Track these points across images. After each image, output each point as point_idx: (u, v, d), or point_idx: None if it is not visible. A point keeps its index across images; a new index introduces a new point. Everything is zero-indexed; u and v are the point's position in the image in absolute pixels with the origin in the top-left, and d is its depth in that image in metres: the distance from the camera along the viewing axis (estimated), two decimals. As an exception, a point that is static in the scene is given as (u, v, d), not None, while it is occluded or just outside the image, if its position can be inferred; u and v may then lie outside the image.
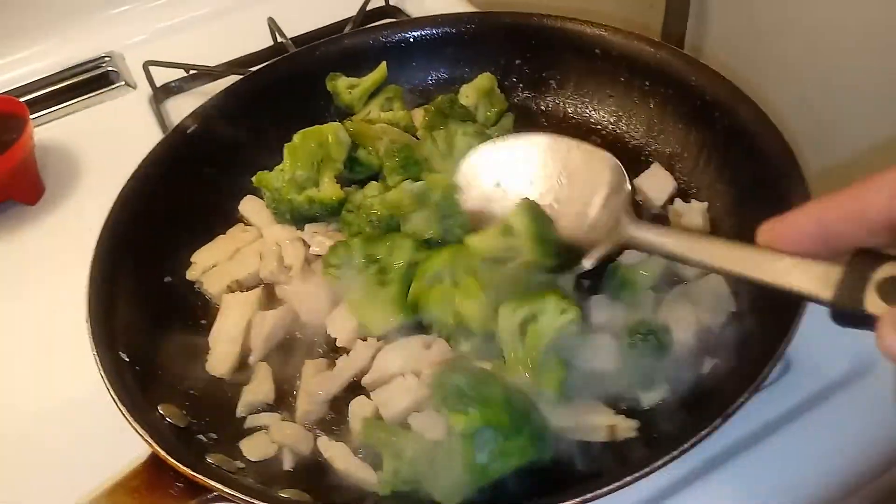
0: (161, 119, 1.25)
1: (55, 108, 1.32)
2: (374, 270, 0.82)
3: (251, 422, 0.79)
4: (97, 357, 0.73)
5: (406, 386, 0.76)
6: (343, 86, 1.06)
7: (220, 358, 0.84)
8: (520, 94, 1.11)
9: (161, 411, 0.73)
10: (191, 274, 0.90)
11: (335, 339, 0.83)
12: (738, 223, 0.89)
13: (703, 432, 0.62)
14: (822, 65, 1.11)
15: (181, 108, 1.26)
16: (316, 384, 0.79)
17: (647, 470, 0.61)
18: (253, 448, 0.75)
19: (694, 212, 0.91)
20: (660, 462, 0.61)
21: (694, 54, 1.25)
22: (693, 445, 0.62)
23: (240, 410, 0.80)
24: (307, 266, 0.90)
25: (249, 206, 0.99)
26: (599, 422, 0.72)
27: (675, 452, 0.62)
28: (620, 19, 1.10)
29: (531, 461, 0.67)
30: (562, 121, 1.08)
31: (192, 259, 0.92)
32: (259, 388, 0.81)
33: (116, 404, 0.69)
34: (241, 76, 1.17)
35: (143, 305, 0.84)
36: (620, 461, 0.69)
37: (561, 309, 0.71)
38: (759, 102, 0.89)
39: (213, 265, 0.91)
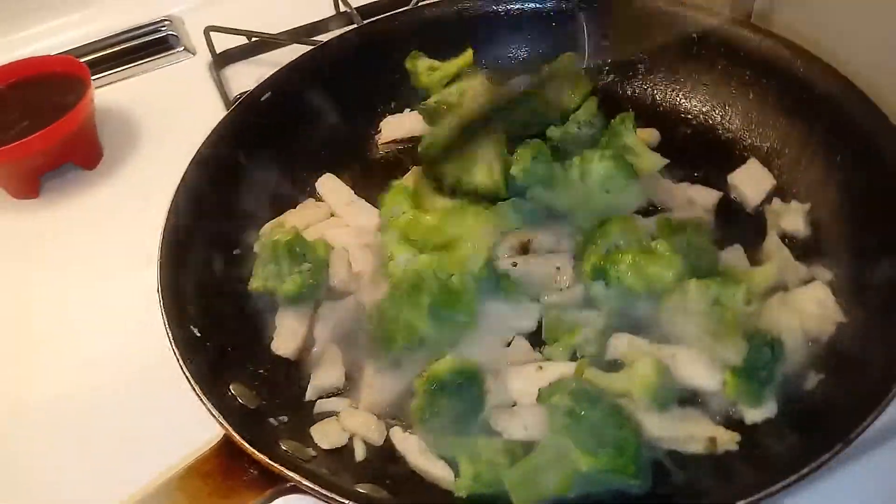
0: (221, 86, 1.24)
1: (113, 71, 1.32)
2: None
3: (320, 407, 0.77)
4: (169, 332, 0.72)
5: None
6: (423, 67, 1.03)
7: (285, 337, 0.82)
8: (604, 77, 1.07)
9: (233, 391, 0.72)
10: (263, 240, 0.89)
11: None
12: (845, 231, 0.84)
13: (825, 457, 0.59)
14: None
15: (241, 76, 1.25)
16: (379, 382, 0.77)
17: (760, 495, 0.58)
18: (324, 435, 0.74)
19: (793, 213, 0.87)
20: (775, 487, 0.58)
21: (763, 23, 1.21)
22: (811, 472, 0.59)
23: (309, 394, 0.78)
24: (378, 269, 0.85)
25: (327, 185, 0.97)
26: (698, 432, 0.69)
27: (793, 477, 0.58)
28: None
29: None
30: (649, 107, 1.03)
31: (259, 232, 0.90)
32: (328, 372, 0.79)
33: (190, 382, 0.68)
34: (304, 45, 1.16)
35: (213, 278, 0.83)
36: (721, 477, 0.66)
37: (746, 297, 0.72)
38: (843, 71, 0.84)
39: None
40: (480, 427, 0.72)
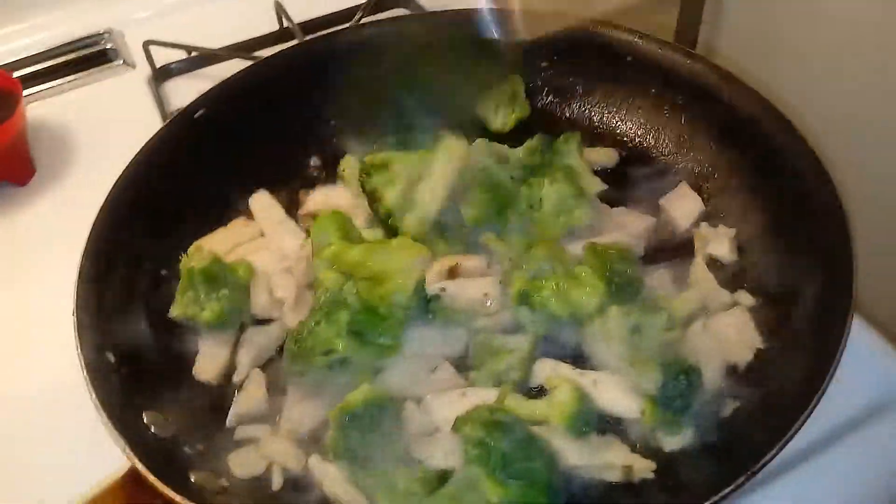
0: (160, 101, 1.23)
1: (49, 86, 1.30)
2: None
3: (240, 433, 0.77)
4: (82, 358, 0.71)
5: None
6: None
7: (207, 362, 0.82)
8: (543, 98, 1.09)
9: (146, 419, 0.71)
10: (184, 265, 0.88)
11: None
12: (767, 250, 0.87)
13: (727, 490, 0.61)
14: (839, 60, 1.09)
15: (181, 90, 1.25)
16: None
17: None
18: (241, 464, 0.73)
19: (720, 238, 0.89)
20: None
21: (707, 53, 1.24)
22: (717, 502, 0.60)
23: (229, 420, 0.78)
24: (301, 295, 0.86)
25: (259, 202, 0.96)
26: (615, 460, 0.71)
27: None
28: (633, 16, 1.07)
29: None
30: (586, 129, 1.05)
31: (188, 251, 0.90)
32: (250, 397, 0.79)
33: (98, 410, 0.67)
34: (245, 60, 1.16)
35: (136, 299, 0.83)
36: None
37: (666, 324, 0.74)
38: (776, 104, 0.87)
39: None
40: (398, 456, 0.72)
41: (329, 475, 0.72)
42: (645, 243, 0.90)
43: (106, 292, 0.80)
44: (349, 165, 0.98)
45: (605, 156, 1.01)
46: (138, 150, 0.92)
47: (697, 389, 0.73)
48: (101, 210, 0.84)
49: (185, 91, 1.23)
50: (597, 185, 0.94)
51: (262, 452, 0.75)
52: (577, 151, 0.93)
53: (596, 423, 0.73)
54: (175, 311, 0.82)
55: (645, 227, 0.92)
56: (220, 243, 0.91)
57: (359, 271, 0.79)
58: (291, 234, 0.92)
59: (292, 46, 1.13)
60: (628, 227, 0.91)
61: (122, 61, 1.33)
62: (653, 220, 0.93)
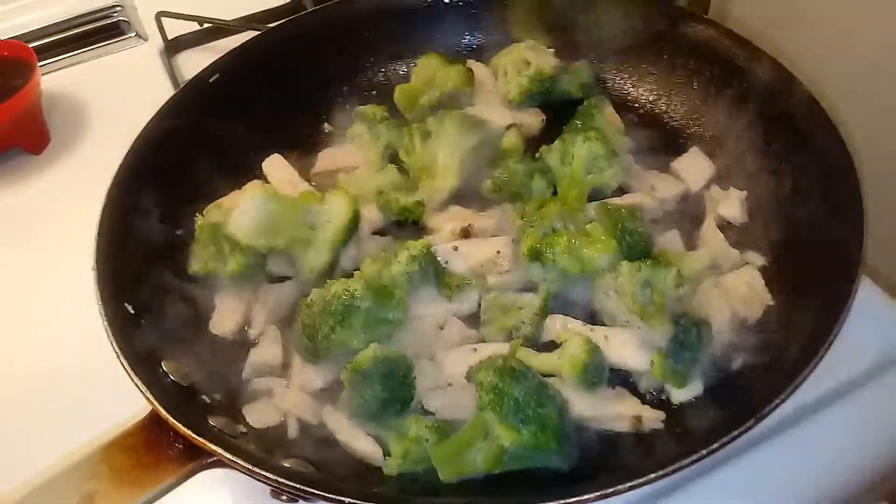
0: (172, 73, 1.25)
1: (63, 57, 1.33)
2: None
3: (255, 385, 0.80)
4: (101, 306, 0.74)
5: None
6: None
7: (224, 317, 0.84)
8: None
9: (164, 368, 0.74)
10: (204, 221, 0.89)
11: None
12: (779, 215, 0.88)
13: (735, 432, 0.63)
14: (851, 23, 1.09)
15: (193, 62, 1.27)
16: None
17: (671, 468, 0.62)
18: (257, 415, 0.76)
19: (731, 200, 0.91)
20: (686, 461, 0.62)
21: (720, 17, 1.25)
22: (722, 446, 0.62)
23: (245, 372, 0.80)
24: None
25: (274, 165, 0.99)
26: (624, 411, 0.73)
27: (703, 451, 0.62)
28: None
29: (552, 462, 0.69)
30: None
31: (199, 215, 0.92)
32: (266, 350, 0.82)
33: (118, 357, 0.70)
34: (257, 31, 1.19)
35: (154, 257, 0.85)
36: (645, 454, 0.70)
37: (677, 279, 0.75)
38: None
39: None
40: (411, 411, 0.74)
41: (342, 425, 0.75)
42: (671, 208, 0.92)
43: (124, 248, 0.82)
44: (358, 124, 1.00)
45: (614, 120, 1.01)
46: (154, 113, 0.94)
47: (706, 342, 0.74)
48: (118, 169, 0.87)
49: (197, 62, 1.25)
50: (626, 144, 0.96)
51: (277, 403, 0.77)
52: (603, 113, 0.96)
53: (606, 375, 0.75)
54: (196, 266, 0.84)
55: (675, 194, 0.93)
56: (234, 205, 0.93)
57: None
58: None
59: (306, 13, 1.15)
60: (659, 191, 0.92)
61: (134, 33, 1.36)
62: (684, 185, 0.94)
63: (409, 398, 0.74)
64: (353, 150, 1.00)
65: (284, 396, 0.77)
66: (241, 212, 0.81)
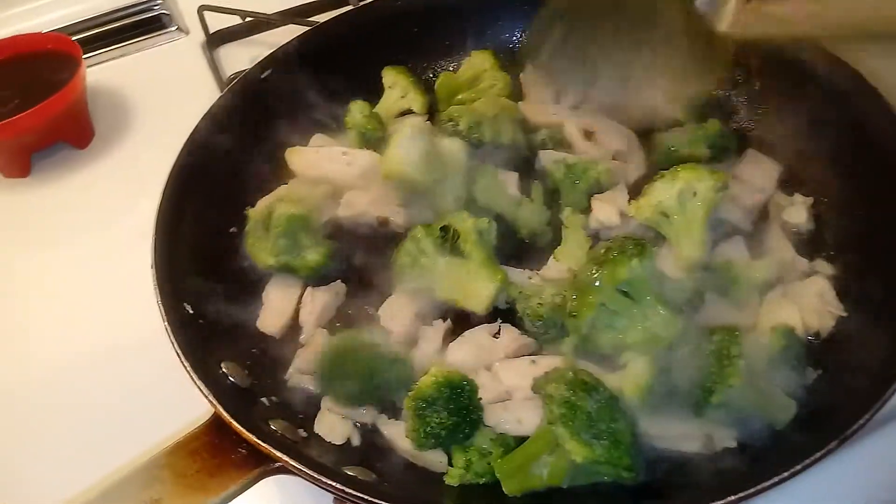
0: (214, 66, 1.25)
1: (105, 50, 1.34)
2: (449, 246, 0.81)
3: (295, 381, 0.79)
4: (162, 308, 0.73)
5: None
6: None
7: (271, 315, 0.84)
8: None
9: (224, 369, 0.73)
10: (255, 222, 0.89)
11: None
12: (848, 224, 0.86)
13: (817, 454, 0.60)
14: None
15: (235, 56, 1.27)
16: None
17: (751, 491, 0.60)
18: (331, 430, 0.75)
19: (797, 206, 0.88)
20: (765, 484, 0.60)
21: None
22: (804, 469, 0.60)
23: (290, 374, 0.80)
24: None
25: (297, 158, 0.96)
26: (693, 430, 0.70)
27: (785, 474, 0.60)
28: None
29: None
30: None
31: (252, 210, 0.91)
32: (312, 354, 0.80)
33: (181, 360, 0.69)
34: (298, 25, 1.18)
35: (207, 256, 0.85)
36: (715, 472, 0.68)
37: (715, 183, 0.76)
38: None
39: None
40: (476, 425, 0.72)
41: (401, 434, 0.73)
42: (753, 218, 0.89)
43: (180, 247, 0.82)
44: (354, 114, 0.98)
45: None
46: (200, 113, 0.93)
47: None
48: (171, 170, 0.86)
49: (239, 56, 1.26)
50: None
51: (332, 409, 0.76)
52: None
53: (668, 398, 0.71)
54: (268, 261, 0.83)
55: (756, 202, 0.89)
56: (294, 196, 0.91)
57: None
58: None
59: (353, 9, 1.14)
60: (740, 200, 0.89)
61: (176, 27, 1.36)
62: (761, 193, 0.90)
63: (477, 421, 0.72)
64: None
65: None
66: (406, 146, 0.82)
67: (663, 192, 0.81)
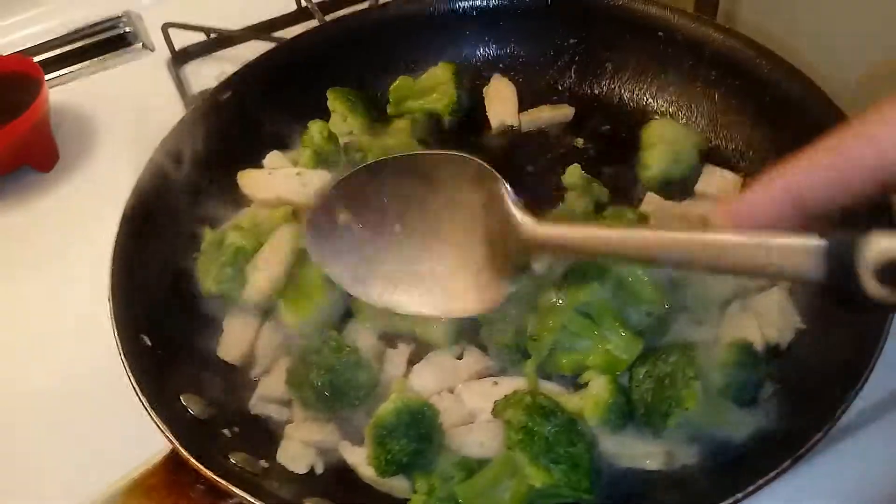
0: (180, 84, 1.24)
1: (69, 71, 1.32)
2: None
3: (258, 409, 0.79)
4: (119, 341, 0.73)
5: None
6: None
7: (231, 343, 0.83)
8: (572, 75, 1.08)
9: (183, 401, 0.73)
10: (225, 240, 0.86)
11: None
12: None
13: (773, 473, 0.61)
14: (863, 23, 1.06)
15: (201, 73, 1.26)
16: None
17: None
18: (292, 459, 0.74)
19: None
20: (729, 500, 0.60)
21: (728, 20, 1.23)
22: (758, 488, 0.60)
23: (252, 404, 0.79)
24: None
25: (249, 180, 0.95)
26: (654, 448, 0.70)
27: (739, 495, 0.60)
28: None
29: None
30: (615, 107, 1.05)
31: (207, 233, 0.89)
32: (276, 382, 0.79)
33: (137, 395, 0.69)
34: (264, 41, 1.18)
35: (168, 285, 0.84)
36: (677, 489, 0.68)
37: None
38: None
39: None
40: (438, 450, 0.72)
41: (362, 460, 0.73)
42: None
43: (138, 278, 0.81)
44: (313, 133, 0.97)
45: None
46: (165, 133, 0.93)
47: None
48: (129, 198, 0.86)
49: (205, 73, 1.25)
50: None
51: (296, 436, 0.76)
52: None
53: (631, 416, 0.72)
54: (211, 287, 0.83)
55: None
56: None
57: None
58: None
59: (317, 27, 1.13)
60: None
61: (140, 44, 1.35)
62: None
63: (439, 446, 0.72)
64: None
65: (303, 429, 0.76)
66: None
67: None
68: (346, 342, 0.78)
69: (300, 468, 0.73)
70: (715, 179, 0.93)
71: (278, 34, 1.25)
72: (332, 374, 0.75)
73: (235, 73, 1.01)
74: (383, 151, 0.92)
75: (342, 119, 1.01)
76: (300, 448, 0.74)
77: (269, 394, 0.80)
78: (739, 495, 0.60)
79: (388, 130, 1.02)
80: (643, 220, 0.86)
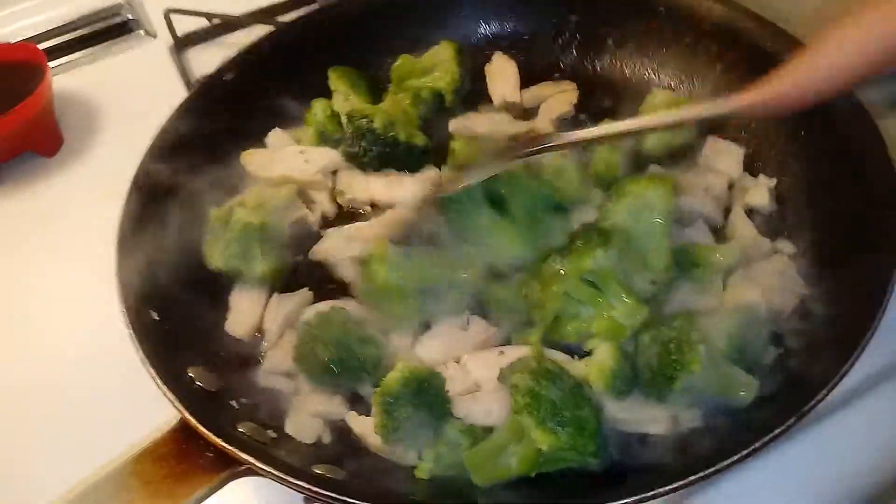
0: (182, 69, 1.24)
1: (72, 58, 1.33)
2: None
3: (266, 382, 0.79)
4: (126, 316, 0.73)
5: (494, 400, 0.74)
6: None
7: (239, 318, 0.84)
8: (573, 53, 1.09)
9: (191, 374, 0.74)
10: (232, 217, 0.87)
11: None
12: (809, 202, 0.87)
13: (776, 431, 0.61)
14: None
15: (203, 58, 1.26)
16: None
17: (711, 470, 0.60)
18: (301, 429, 0.75)
19: (760, 187, 0.89)
20: (726, 462, 0.61)
21: None
22: (763, 446, 0.61)
23: (261, 376, 0.80)
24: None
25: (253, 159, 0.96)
26: (659, 412, 0.71)
27: (743, 452, 0.61)
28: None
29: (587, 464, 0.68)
30: (618, 82, 1.06)
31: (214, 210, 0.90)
32: (283, 354, 0.80)
33: (146, 367, 0.70)
34: (266, 25, 1.18)
35: (174, 260, 0.84)
36: (682, 452, 0.69)
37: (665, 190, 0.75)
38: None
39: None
40: (444, 418, 0.73)
41: (369, 429, 0.73)
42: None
43: (144, 254, 0.82)
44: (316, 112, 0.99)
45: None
46: (168, 116, 0.94)
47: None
48: (136, 172, 0.87)
49: (207, 59, 1.25)
50: None
51: (303, 407, 0.77)
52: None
53: (635, 382, 0.73)
54: (218, 263, 0.83)
55: (723, 188, 0.90)
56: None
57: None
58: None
59: (318, 9, 1.13)
60: (712, 190, 0.89)
61: (143, 31, 1.35)
62: (727, 176, 0.91)
63: (445, 414, 0.73)
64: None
65: (309, 400, 0.77)
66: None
67: (615, 212, 0.78)
68: (351, 315, 0.78)
69: (308, 439, 0.74)
70: (718, 150, 0.93)
71: (280, 18, 1.26)
72: (339, 348, 0.75)
73: (238, 54, 1.02)
74: (387, 116, 0.92)
75: (344, 98, 1.01)
76: (308, 419, 0.75)
77: (275, 367, 0.80)
78: (745, 452, 0.61)
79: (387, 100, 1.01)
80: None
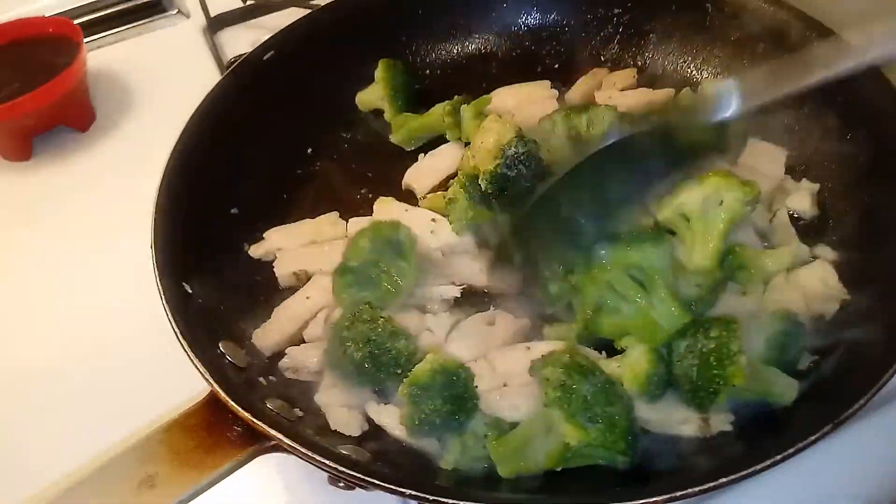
0: (215, 50, 1.28)
1: (106, 34, 1.37)
2: None
3: (289, 374, 0.81)
4: (161, 288, 0.76)
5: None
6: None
7: (271, 332, 0.84)
8: (615, 46, 1.10)
9: (222, 349, 0.76)
10: (254, 251, 0.92)
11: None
12: (851, 207, 0.87)
13: (812, 438, 0.62)
14: None
15: (235, 39, 1.30)
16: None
17: (742, 473, 0.61)
18: (343, 424, 0.75)
19: (802, 192, 0.90)
20: (759, 466, 0.61)
21: None
22: (797, 451, 0.62)
23: (281, 363, 0.81)
24: None
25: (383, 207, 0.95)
26: (690, 414, 0.72)
27: (777, 457, 0.61)
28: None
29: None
30: (658, 79, 1.07)
31: (263, 235, 0.93)
32: (303, 352, 0.81)
33: (178, 339, 0.72)
34: (300, 7, 1.20)
35: (207, 236, 0.87)
36: (712, 455, 0.69)
37: (744, 195, 0.75)
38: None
39: (278, 248, 0.91)
40: (471, 412, 0.74)
41: (392, 419, 0.75)
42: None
43: (180, 228, 0.84)
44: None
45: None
46: (201, 97, 0.96)
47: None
48: (173, 150, 0.89)
49: (240, 40, 1.29)
50: None
51: (323, 399, 0.78)
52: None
53: (669, 384, 0.73)
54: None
55: (769, 190, 0.90)
56: (297, 235, 0.93)
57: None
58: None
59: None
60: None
61: (176, 10, 1.39)
62: (772, 180, 0.91)
63: (472, 409, 0.74)
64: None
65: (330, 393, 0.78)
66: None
67: (688, 194, 0.79)
68: (378, 312, 0.78)
69: (353, 432, 0.75)
70: (760, 152, 0.94)
71: (315, 1, 1.28)
72: (371, 345, 0.75)
73: (277, 34, 1.04)
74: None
75: (379, 97, 1.05)
76: (347, 413, 0.76)
77: (296, 364, 0.81)
78: (778, 457, 0.61)
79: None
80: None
